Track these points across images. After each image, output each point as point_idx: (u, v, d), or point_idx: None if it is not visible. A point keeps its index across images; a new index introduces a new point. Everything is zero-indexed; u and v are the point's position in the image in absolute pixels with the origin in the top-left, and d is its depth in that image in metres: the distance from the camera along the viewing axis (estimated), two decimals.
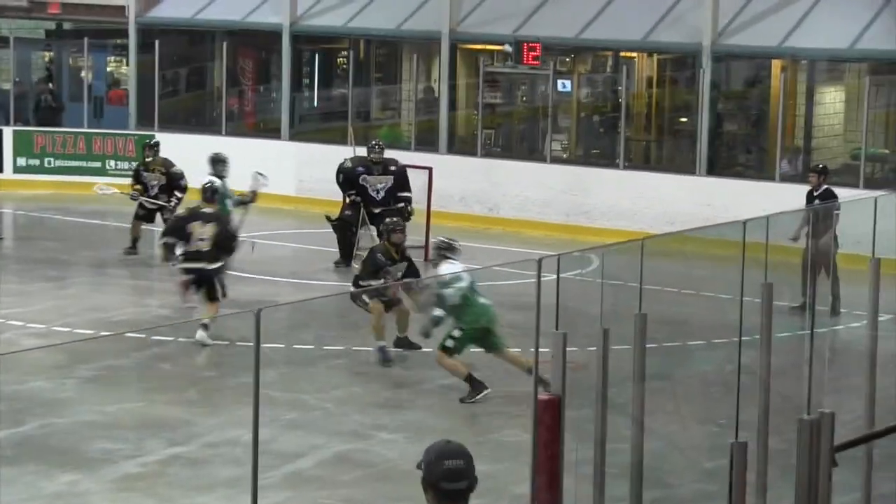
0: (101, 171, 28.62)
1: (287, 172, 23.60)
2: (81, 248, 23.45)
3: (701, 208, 21.71)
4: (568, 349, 7.04)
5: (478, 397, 15.03)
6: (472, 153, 27.08)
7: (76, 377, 15.82)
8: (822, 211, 17.96)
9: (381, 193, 21.62)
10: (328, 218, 22.20)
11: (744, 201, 20.70)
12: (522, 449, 6.96)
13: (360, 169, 22.03)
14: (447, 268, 15.78)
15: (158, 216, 22.31)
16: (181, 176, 22.47)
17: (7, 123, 29.91)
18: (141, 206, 22.43)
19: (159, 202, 22.28)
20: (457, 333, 15.23)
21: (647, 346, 7.73)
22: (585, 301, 7.54)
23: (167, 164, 22.64)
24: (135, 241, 22.40)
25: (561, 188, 25.38)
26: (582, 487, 7.22)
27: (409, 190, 21.84)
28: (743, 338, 8.41)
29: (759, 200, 20.35)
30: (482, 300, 15.60)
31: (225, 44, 29.88)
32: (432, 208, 22.87)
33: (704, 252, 19.13)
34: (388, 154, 22.41)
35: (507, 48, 27.36)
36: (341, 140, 24.82)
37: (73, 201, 26.84)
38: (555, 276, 7.20)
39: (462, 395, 15.08)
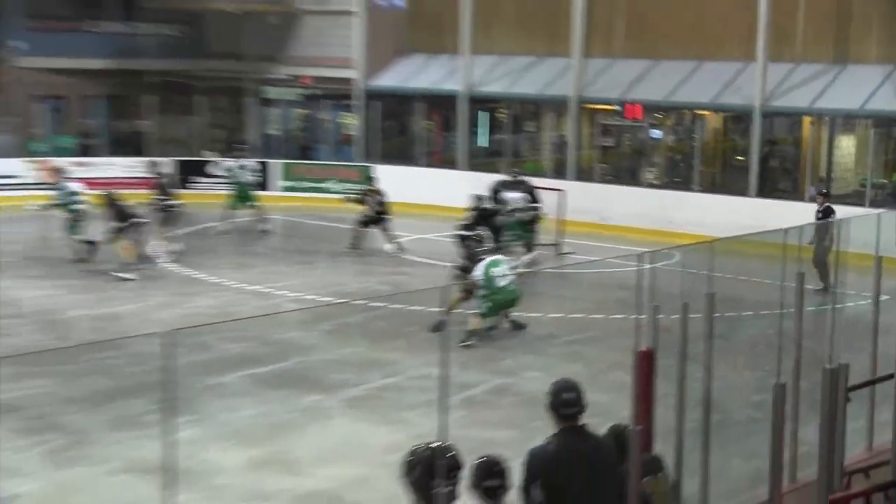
0: (337, 191, 28.97)
1: (461, 191, 23.63)
2: (322, 242, 23.75)
3: (752, 220, 21.33)
4: (658, 317, 6.98)
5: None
6: (591, 180, 26.96)
7: (319, 330, 16.02)
8: (824, 224, 17.90)
9: (520, 203, 21.60)
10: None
11: (783, 215, 20.33)
12: (624, 386, 6.91)
13: (502, 186, 22.16)
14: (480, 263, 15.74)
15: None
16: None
17: (275, 158, 30.39)
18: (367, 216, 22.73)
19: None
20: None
21: (714, 315, 7.65)
22: (670, 284, 7.48)
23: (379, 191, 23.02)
24: (359, 239, 22.61)
25: (653, 205, 25.17)
26: (668, 414, 7.17)
27: (539, 202, 21.77)
28: (782, 311, 8.34)
29: (794, 214, 20.09)
30: (501, 283, 15.56)
31: (421, 104, 30.10)
32: (563, 218, 22.78)
33: (755, 251, 18.83)
34: (534, 181, 22.53)
35: (617, 108, 27.29)
36: (501, 170, 24.83)
37: (319, 211, 27.17)
38: (650, 266, 7.15)
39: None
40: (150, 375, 13.11)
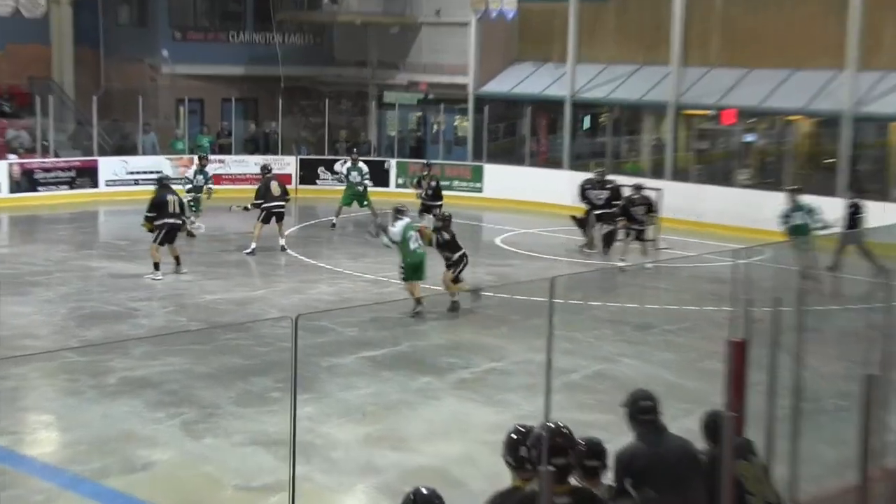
0: (449, 188, 28.86)
1: (565, 190, 23.35)
2: None
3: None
4: (751, 309, 6.76)
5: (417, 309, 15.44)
6: (687, 180, 26.45)
7: (431, 317, 15.97)
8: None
9: (602, 201, 21.31)
10: (573, 217, 22.11)
11: (870, 215, 19.77)
12: (716, 374, 6.70)
13: (588, 185, 21.91)
14: (399, 223, 15.97)
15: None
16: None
17: (393, 157, 30.43)
18: None
19: None
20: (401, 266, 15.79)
21: (804, 308, 7.39)
22: (762, 278, 7.23)
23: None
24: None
25: (745, 203, 24.61)
26: (758, 401, 6.95)
27: (619, 200, 21.41)
28: (867, 305, 8.06)
29: (881, 214, 19.64)
30: (413, 246, 15.81)
31: (529, 108, 29.91)
32: (661, 215, 22.40)
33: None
34: (632, 180, 22.16)
35: (712, 113, 26.85)
36: (609, 172, 24.36)
37: (457, 208, 26.61)
38: (743, 262, 6.93)
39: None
40: (274, 355, 13.25)
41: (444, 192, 24.10)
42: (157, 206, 18.09)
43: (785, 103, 25.66)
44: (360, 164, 24.18)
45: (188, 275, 18.24)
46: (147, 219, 18.21)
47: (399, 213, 16.32)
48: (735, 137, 27.24)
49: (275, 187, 20.67)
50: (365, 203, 24.02)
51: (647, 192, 20.49)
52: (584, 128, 30.28)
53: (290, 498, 5.48)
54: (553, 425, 5.46)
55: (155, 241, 17.97)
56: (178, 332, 14.96)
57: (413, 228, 16.13)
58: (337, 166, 25.47)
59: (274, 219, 20.50)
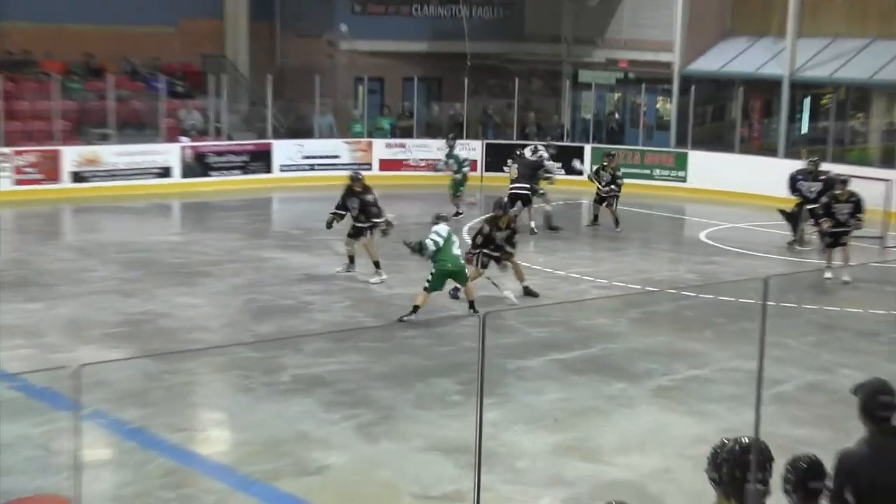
0: (650, 177, 28.73)
1: (780, 180, 22.90)
2: (633, 230, 23.55)
3: None
4: None
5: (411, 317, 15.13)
6: None
7: (627, 317, 15.97)
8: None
9: (814, 194, 20.72)
10: (781, 211, 21.74)
11: None
12: None
13: (800, 176, 21.44)
14: (438, 228, 15.77)
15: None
16: None
17: (588, 142, 30.39)
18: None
19: None
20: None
21: None
22: None
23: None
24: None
25: None
26: None
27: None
28: None
29: None
30: (456, 251, 15.62)
31: (741, 89, 29.40)
32: (889, 209, 21.81)
33: None
34: (858, 170, 21.64)
35: None
36: (820, 159, 23.66)
37: (629, 197, 25.63)
38: None
39: None
40: (456, 356, 13.48)
41: (643, 182, 24.00)
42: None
43: None
44: (457, 152, 24.72)
45: (361, 268, 18.69)
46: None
47: (439, 218, 16.40)
48: None
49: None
50: (458, 193, 24.42)
51: (853, 188, 19.08)
52: (803, 111, 29.62)
53: None
54: (753, 440, 5.42)
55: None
56: (355, 328, 15.33)
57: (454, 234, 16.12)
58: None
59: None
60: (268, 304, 16.34)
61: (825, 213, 18.72)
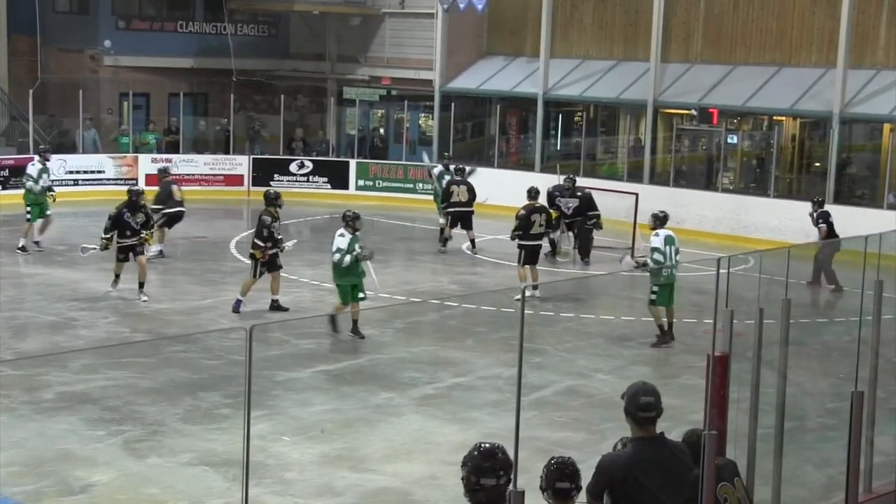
0: (413, 191, 28.93)
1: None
2: (397, 241, 23.68)
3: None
4: (734, 321, 6.83)
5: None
6: (666, 184, 26.51)
7: (393, 328, 16.00)
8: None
9: (571, 210, 21.38)
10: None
11: (860, 222, 19.96)
12: (697, 390, 6.76)
13: (557, 193, 21.95)
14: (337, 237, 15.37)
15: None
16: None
17: (352, 157, 30.43)
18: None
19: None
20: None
21: (789, 321, 7.47)
22: (746, 289, 7.31)
23: None
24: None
25: (728, 209, 24.88)
26: (741, 418, 7.01)
27: (595, 209, 21.51)
28: (857, 318, 8.15)
29: (873, 221, 19.77)
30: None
31: (498, 106, 29.95)
32: (638, 221, 22.52)
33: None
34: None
35: (693, 112, 27.04)
36: (574, 173, 24.25)
37: (394, 210, 26.98)
38: (725, 271, 6.99)
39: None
40: (225, 369, 13.21)
41: (406, 196, 24.05)
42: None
43: (771, 103, 25.95)
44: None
45: (128, 283, 18.16)
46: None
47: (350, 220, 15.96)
48: (717, 139, 27.41)
49: (175, 191, 21.07)
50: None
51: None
52: (556, 128, 30.38)
53: None
54: (490, 445, 5.56)
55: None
56: (122, 343, 14.90)
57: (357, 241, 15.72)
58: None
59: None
60: (30, 320, 15.70)
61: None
